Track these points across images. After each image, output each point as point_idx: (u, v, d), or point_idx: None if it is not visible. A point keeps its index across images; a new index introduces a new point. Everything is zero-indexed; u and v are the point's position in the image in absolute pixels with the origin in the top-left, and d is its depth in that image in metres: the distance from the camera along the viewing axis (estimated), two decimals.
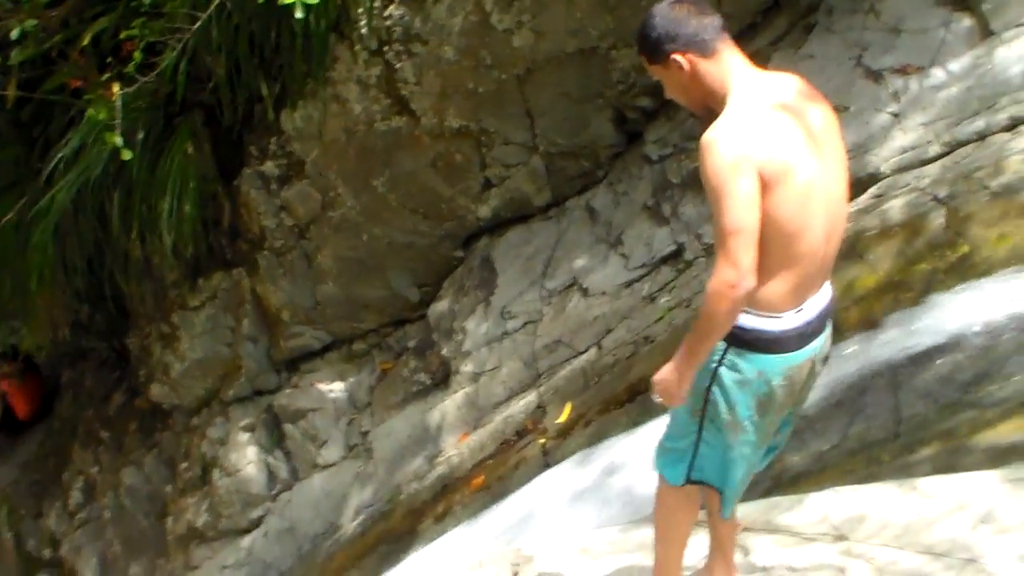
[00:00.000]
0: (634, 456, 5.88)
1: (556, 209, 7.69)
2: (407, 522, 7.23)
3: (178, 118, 7.85)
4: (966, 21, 6.26)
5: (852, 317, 5.45)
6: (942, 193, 5.72)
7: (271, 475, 8.31)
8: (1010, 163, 5.59)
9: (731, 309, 3.07)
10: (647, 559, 3.96)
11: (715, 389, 3.31)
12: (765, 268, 3.10)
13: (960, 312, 5.21)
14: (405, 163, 7.58)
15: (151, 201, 7.82)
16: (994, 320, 5.09)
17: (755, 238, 3.03)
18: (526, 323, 7.34)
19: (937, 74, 6.21)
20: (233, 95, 7.60)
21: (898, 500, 4.23)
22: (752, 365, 3.26)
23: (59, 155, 7.81)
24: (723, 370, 3.28)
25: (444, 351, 7.64)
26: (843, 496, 4.39)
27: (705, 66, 3.21)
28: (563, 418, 6.72)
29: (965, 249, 5.45)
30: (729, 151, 3.03)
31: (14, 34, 7.47)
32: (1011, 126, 5.81)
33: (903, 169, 6.07)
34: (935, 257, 5.52)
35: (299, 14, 6.23)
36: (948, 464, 4.59)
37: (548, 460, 6.60)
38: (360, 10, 7.18)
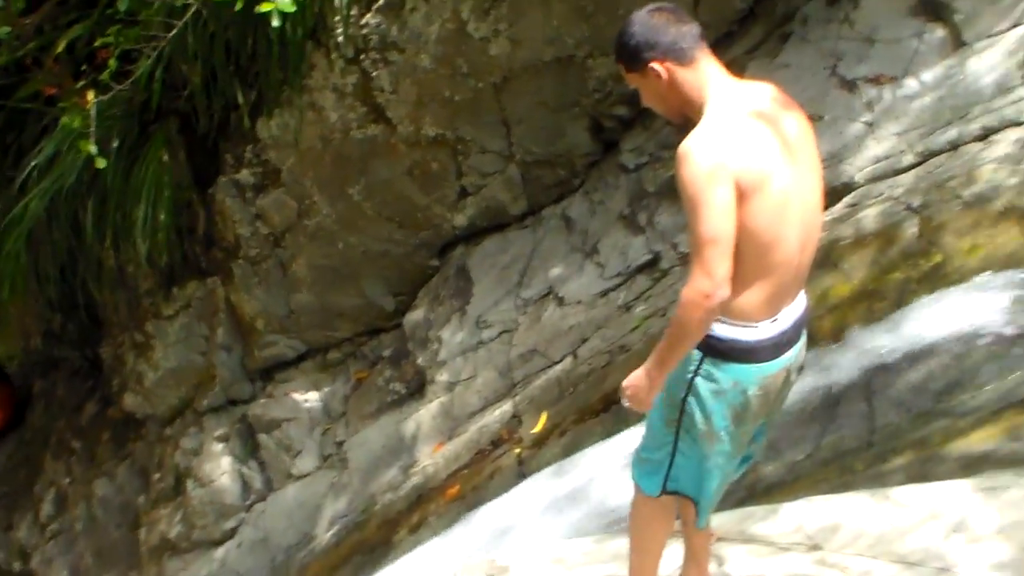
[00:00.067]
0: (609, 466, 5.88)
1: (532, 218, 7.69)
2: (382, 532, 7.20)
3: (153, 126, 7.82)
4: (939, 31, 6.30)
5: (826, 326, 5.47)
6: (915, 202, 5.75)
7: (245, 485, 8.27)
8: (982, 172, 5.63)
9: (704, 318, 3.07)
10: (622, 569, 3.95)
11: (691, 399, 3.30)
12: (740, 278, 3.10)
13: (933, 321, 5.23)
14: (381, 171, 7.57)
15: (125, 209, 7.78)
16: (967, 329, 5.11)
17: (731, 248, 3.03)
18: (501, 332, 7.33)
19: (910, 84, 6.24)
20: (209, 103, 7.58)
21: (872, 509, 4.24)
22: (728, 375, 3.26)
23: (33, 163, 7.76)
24: (699, 380, 3.27)
25: (419, 360, 7.63)
26: (817, 505, 4.40)
27: (683, 74, 3.20)
28: (538, 428, 6.71)
29: (938, 258, 5.47)
30: (705, 160, 3.03)
31: None
32: (983, 136, 5.85)
33: (877, 178, 6.10)
34: (908, 266, 5.55)
35: (275, 22, 6.22)
36: (921, 473, 4.60)
37: (523, 470, 6.59)
38: (336, 18, 7.17)
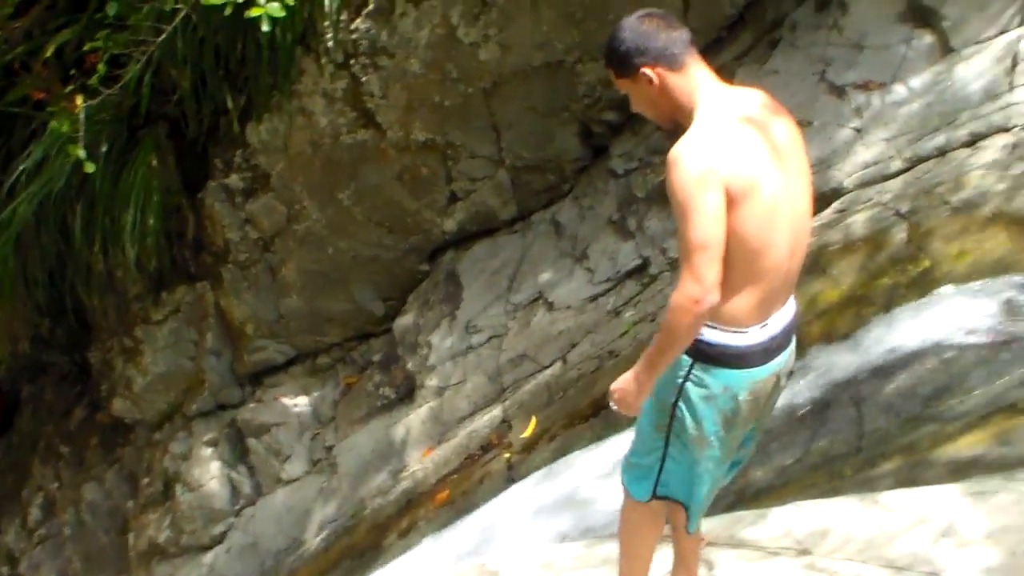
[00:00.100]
0: (599, 471, 5.88)
1: (522, 223, 7.70)
2: (371, 537, 7.19)
3: (142, 130, 7.80)
4: (927, 38, 6.33)
5: (815, 331, 5.48)
6: (904, 208, 5.77)
7: (234, 490, 8.25)
8: (970, 178, 5.65)
9: (693, 323, 3.07)
10: (612, 574, 3.95)
11: (681, 404, 3.30)
12: (730, 283, 3.10)
13: (921, 326, 5.25)
14: (371, 176, 7.57)
15: (114, 214, 7.77)
16: (955, 334, 5.13)
17: (720, 253, 3.03)
18: (491, 337, 7.33)
19: (899, 90, 6.27)
20: (198, 107, 7.57)
21: (861, 514, 4.24)
22: (718, 380, 3.26)
23: (21, 167, 7.74)
24: (689, 385, 3.27)
25: (409, 365, 7.62)
26: (806, 510, 4.41)
27: (674, 80, 3.20)
28: (528, 433, 6.71)
29: (926, 264, 5.49)
30: (695, 166, 3.03)
31: None
32: (971, 142, 5.87)
33: (866, 184, 6.12)
34: (897, 272, 5.57)
35: (265, 27, 6.22)
36: (910, 478, 4.61)
37: (513, 475, 6.59)
38: (326, 23, 7.17)
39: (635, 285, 6.86)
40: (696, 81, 3.21)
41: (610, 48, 3.25)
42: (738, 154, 3.08)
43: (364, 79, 7.24)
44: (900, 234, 5.68)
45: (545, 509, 6.07)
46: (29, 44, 7.74)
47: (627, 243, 7.01)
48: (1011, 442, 4.53)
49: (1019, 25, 6.10)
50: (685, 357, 3.22)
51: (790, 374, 3.49)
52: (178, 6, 6.62)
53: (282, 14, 6.16)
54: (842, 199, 6.15)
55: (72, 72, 7.32)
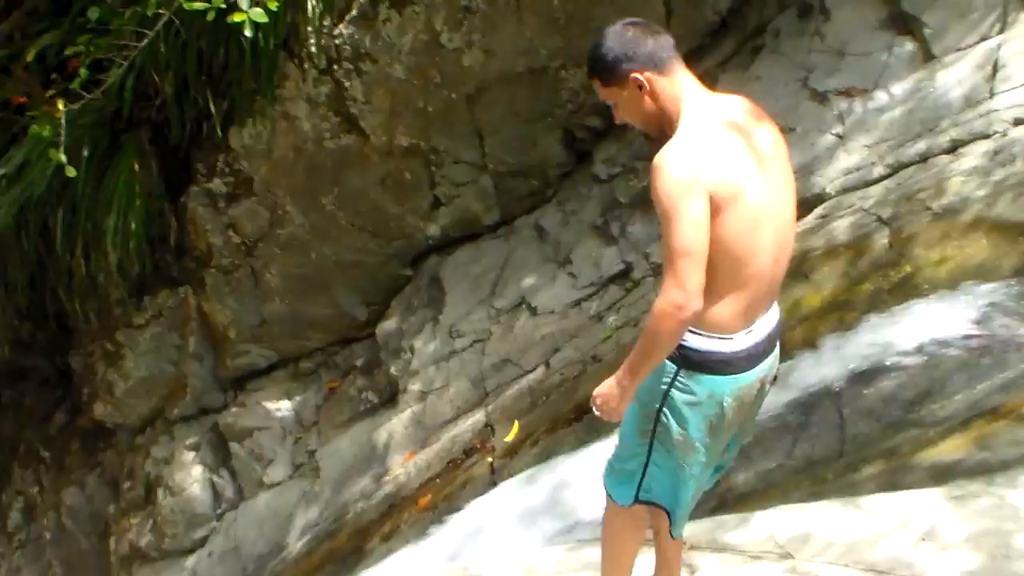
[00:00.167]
0: (581, 475, 5.89)
1: (505, 228, 7.70)
2: (353, 541, 7.18)
3: (124, 135, 7.78)
4: (908, 45, 6.36)
5: (797, 336, 5.50)
6: (886, 214, 5.80)
7: (216, 494, 8.23)
8: (951, 184, 5.68)
9: (676, 330, 3.08)
10: None
11: (666, 410, 3.31)
12: (715, 290, 3.11)
13: (903, 332, 5.28)
14: (354, 181, 7.57)
15: (96, 218, 7.74)
16: (936, 340, 5.16)
17: (703, 260, 3.04)
18: (474, 342, 7.33)
19: (881, 96, 6.30)
20: (181, 112, 7.55)
21: (843, 518, 4.26)
22: (703, 386, 3.27)
23: (2, 172, 7.69)
24: (674, 392, 3.28)
25: (392, 370, 7.62)
26: (788, 514, 4.43)
27: (662, 84, 3.21)
28: (511, 437, 6.72)
29: (908, 269, 5.52)
30: (680, 172, 3.04)
31: None
32: (952, 148, 5.91)
33: (848, 190, 6.14)
34: (879, 277, 5.59)
35: (248, 32, 6.22)
36: (891, 482, 4.64)
37: (495, 479, 6.59)
38: (309, 28, 7.17)
39: (618, 290, 6.87)
40: (682, 86, 3.23)
41: (596, 57, 3.25)
42: (723, 161, 3.09)
43: (347, 84, 7.24)
44: (882, 240, 5.71)
45: (528, 513, 6.07)
46: (10, 48, 7.70)
47: (610, 248, 7.02)
48: (991, 447, 4.56)
49: (999, 32, 6.14)
50: (670, 363, 3.23)
51: (774, 379, 3.51)
52: (160, 11, 6.59)
53: (265, 19, 6.16)
54: (824, 205, 6.17)
55: (54, 76, 7.28)
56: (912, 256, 5.55)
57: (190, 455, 8.31)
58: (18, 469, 9.67)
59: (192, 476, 8.24)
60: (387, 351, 7.73)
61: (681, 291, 3.01)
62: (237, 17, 6.05)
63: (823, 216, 6.09)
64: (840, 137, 6.31)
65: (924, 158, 5.98)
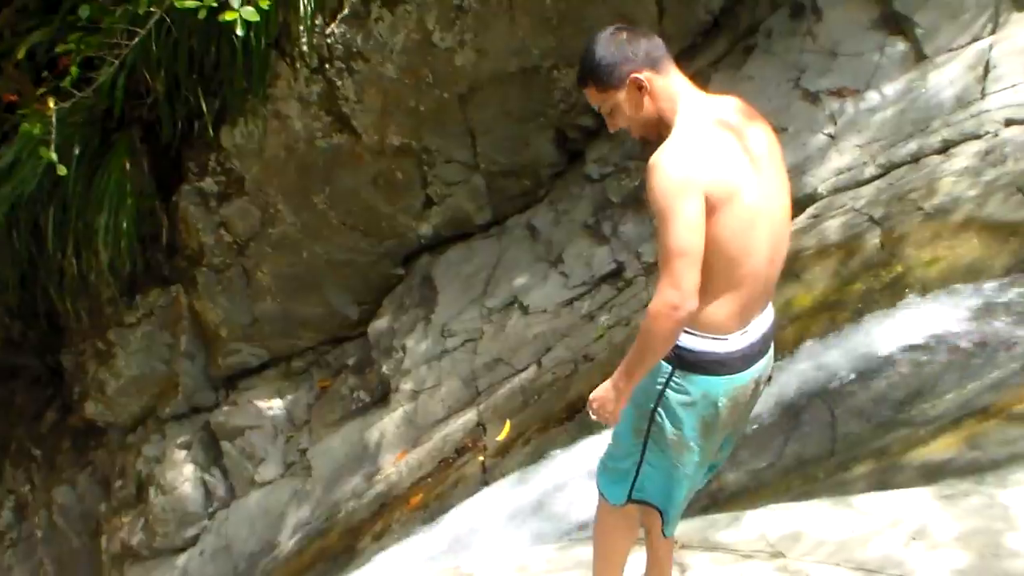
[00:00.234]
0: (573, 474, 5.89)
1: (497, 227, 7.71)
2: (345, 540, 7.18)
3: (115, 134, 7.77)
4: (900, 45, 6.38)
5: (788, 336, 5.50)
6: (877, 214, 5.81)
7: (207, 493, 8.22)
8: (942, 185, 5.69)
9: (672, 330, 3.07)
10: None
11: (660, 410, 3.30)
12: (711, 290, 3.11)
13: (894, 332, 5.29)
14: (346, 180, 7.56)
15: (87, 217, 7.73)
16: (927, 339, 5.17)
17: (699, 260, 3.03)
18: (466, 341, 7.33)
19: (872, 97, 6.31)
20: (172, 111, 7.54)
21: (833, 517, 4.27)
22: (698, 387, 3.26)
23: None
24: (669, 392, 3.27)
25: (383, 369, 7.62)
26: (779, 513, 4.43)
27: (661, 83, 3.21)
28: (502, 436, 6.72)
29: (899, 269, 5.53)
30: (676, 173, 3.04)
31: None
32: (943, 149, 5.92)
33: (839, 190, 6.15)
34: (870, 277, 5.60)
35: (239, 31, 6.21)
36: (882, 481, 4.65)
37: (487, 478, 6.60)
38: (301, 27, 7.16)
39: (610, 289, 6.87)
40: (677, 87, 3.23)
41: (591, 65, 3.23)
42: (718, 161, 3.09)
43: (339, 83, 7.24)
44: (873, 240, 5.72)
45: (519, 512, 6.08)
46: (0, 46, 7.69)
47: (602, 248, 7.03)
48: (981, 446, 4.57)
49: (991, 33, 6.15)
50: (665, 363, 3.22)
51: (769, 379, 3.51)
52: (152, 9, 6.59)
53: (256, 18, 6.16)
54: (816, 205, 6.18)
55: (44, 74, 7.28)
56: (903, 256, 5.56)
57: (181, 454, 8.30)
58: (9, 468, 9.65)
59: (183, 475, 8.24)
60: (379, 350, 7.73)
61: (677, 291, 3.01)
62: (228, 16, 6.05)
63: (815, 216, 6.10)
64: (832, 137, 6.32)
65: (916, 158, 5.99)
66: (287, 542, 7.60)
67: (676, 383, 3.25)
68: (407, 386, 7.42)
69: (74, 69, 6.81)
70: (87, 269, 8.14)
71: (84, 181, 7.71)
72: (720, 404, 3.28)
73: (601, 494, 3.62)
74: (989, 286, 5.23)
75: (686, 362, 3.23)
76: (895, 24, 6.45)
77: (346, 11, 7.12)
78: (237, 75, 7.23)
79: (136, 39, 6.71)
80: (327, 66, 7.23)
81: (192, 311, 8.21)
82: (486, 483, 6.56)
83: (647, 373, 3.20)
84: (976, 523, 3.94)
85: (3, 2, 7.78)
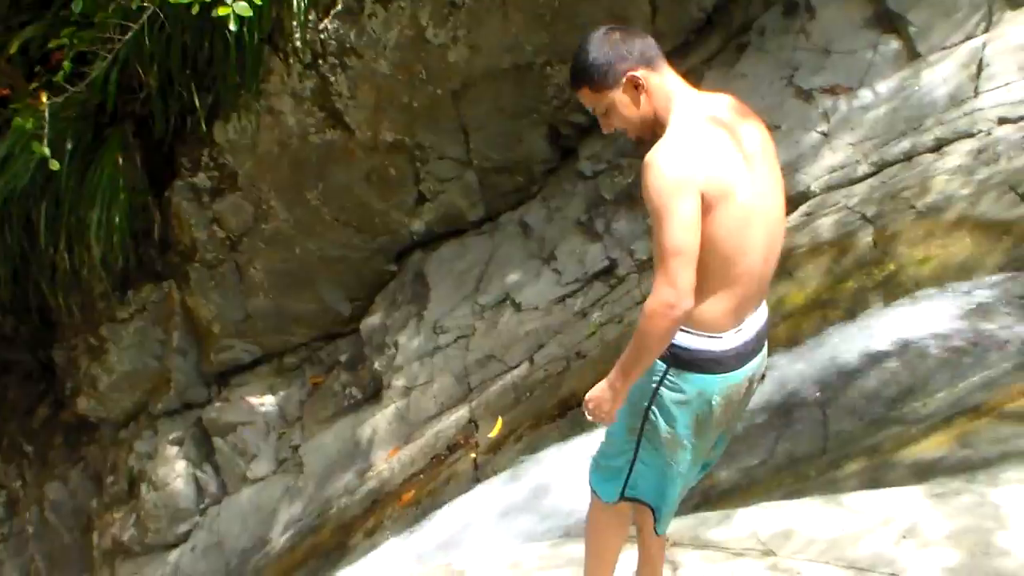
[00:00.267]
0: (565, 471, 5.89)
1: (489, 224, 7.70)
2: (337, 537, 7.18)
3: (108, 129, 7.75)
4: (893, 43, 6.38)
5: (781, 334, 5.51)
6: (870, 212, 5.81)
7: (199, 489, 8.22)
8: (935, 183, 5.70)
9: (668, 329, 3.07)
10: (577, 574, 3.96)
11: (654, 408, 3.30)
12: (705, 288, 3.10)
13: (886, 330, 5.29)
14: (339, 176, 7.55)
15: (80, 212, 7.72)
16: (919, 338, 5.18)
17: (694, 259, 3.03)
18: (458, 338, 7.33)
19: (865, 95, 6.32)
20: (165, 106, 7.53)
21: (824, 515, 4.27)
22: (693, 385, 3.26)
23: None
24: (663, 390, 3.27)
25: (376, 365, 7.62)
26: (771, 511, 4.43)
27: (656, 81, 3.20)
28: (494, 433, 6.72)
29: (891, 267, 5.53)
30: (671, 171, 3.03)
31: None
32: (936, 147, 5.93)
33: (832, 188, 6.16)
34: (862, 275, 5.60)
35: (233, 26, 6.19)
36: (873, 479, 4.65)
37: (479, 475, 6.59)
38: (294, 23, 7.15)
39: (602, 286, 6.87)
40: (671, 85, 3.23)
41: (585, 65, 3.21)
42: (713, 159, 3.08)
43: (332, 79, 7.23)
44: (866, 238, 5.72)
45: (511, 509, 6.08)
46: None
47: (595, 244, 7.03)
48: (973, 444, 4.58)
49: (984, 31, 6.16)
50: (659, 362, 3.22)
51: (762, 377, 3.51)
52: (145, 4, 6.58)
53: (249, 13, 6.14)
54: (809, 202, 6.18)
55: (37, 69, 7.27)
56: (896, 254, 5.57)
57: (173, 450, 8.29)
58: (1, 463, 9.63)
59: (175, 471, 8.23)
60: (371, 347, 7.72)
61: (672, 290, 3.01)
62: (222, 11, 6.03)
63: (808, 214, 6.10)
64: (825, 135, 6.32)
65: (908, 156, 6.00)
66: (279, 538, 7.60)
67: (670, 381, 3.25)
68: (399, 382, 7.42)
69: (67, 64, 6.80)
70: (79, 264, 8.13)
71: (77, 176, 7.70)
72: (714, 402, 3.28)
73: (593, 492, 3.61)
74: (981, 284, 5.23)
75: (681, 360, 3.22)
76: (888, 22, 6.45)
77: (339, 7, 7.11)
78: (230, 70, 7.22)
79: (129, 34, 6.70)
80: (320, 62, 7.22)
81: (184, 307, 8.20)
82: (478, 480, 6.56)
83: (643, 372, 3.20)
84: (967, 521, 3.94)
85: None
